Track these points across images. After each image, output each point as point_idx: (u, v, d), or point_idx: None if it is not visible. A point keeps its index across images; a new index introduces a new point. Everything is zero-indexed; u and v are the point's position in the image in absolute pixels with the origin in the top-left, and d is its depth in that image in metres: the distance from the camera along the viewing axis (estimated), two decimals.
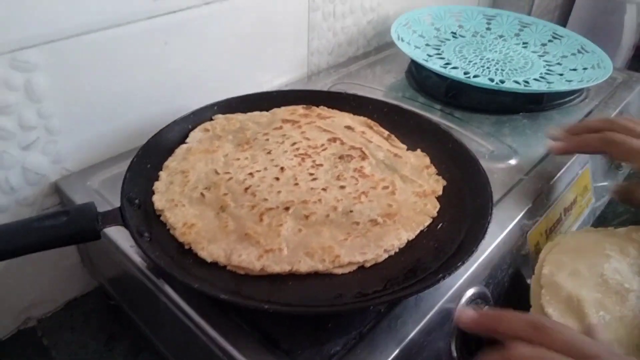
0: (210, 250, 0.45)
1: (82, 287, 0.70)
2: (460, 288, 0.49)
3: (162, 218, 0.50)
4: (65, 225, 0.44)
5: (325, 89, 0.83)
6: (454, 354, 0.48)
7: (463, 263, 0.43)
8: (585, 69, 0.84)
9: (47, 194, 0.61)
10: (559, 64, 0.87)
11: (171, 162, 0.56)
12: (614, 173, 0.82)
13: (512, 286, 0.56)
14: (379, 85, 0.87)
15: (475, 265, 0.51)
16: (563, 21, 1.35)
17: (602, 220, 0.81)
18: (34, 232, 0.43)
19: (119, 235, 0.52)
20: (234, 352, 0.42)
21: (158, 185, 0.53)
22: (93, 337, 0.65)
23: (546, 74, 0.84)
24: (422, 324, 0.45)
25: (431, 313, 0.46)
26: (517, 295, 0.57)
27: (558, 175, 0.65)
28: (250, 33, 0.76)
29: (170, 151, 0.58)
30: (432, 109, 0.79)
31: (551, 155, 0.68)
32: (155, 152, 0.57)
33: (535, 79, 0.81)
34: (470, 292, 0.50)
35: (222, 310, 0.45)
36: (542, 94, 0.78)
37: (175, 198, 0.51)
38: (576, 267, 0.53)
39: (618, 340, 0.47)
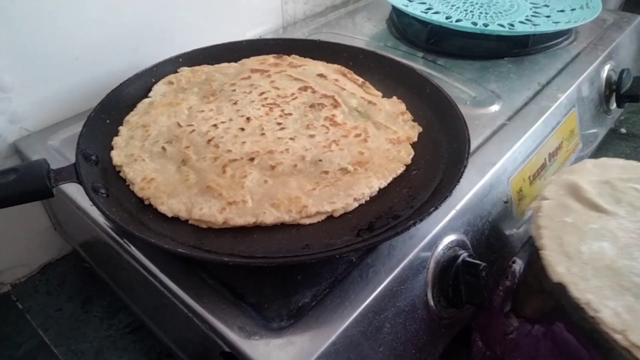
0: (170, 205, 0.43)
1: (57, 251, 0.69)
2: (437, 236, 0.47)
3: (121, 174, 0.47)
4: (14, 183, 0.42)
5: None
6: (431, 302, 0.47)
7: (436, 208, 0.41)
8: (573, 9, 0.80)
9: (7, 155, 0.58)
10: (546, 5, 0.83)
11: (132, 117, 0.53)
12: (602, 118, 0.79)
13: (493, 234, 0.55)
14: (359, 35, 0.83)
15: (453, 212, 0.49)
16: None
17: None
18: None
19: (78, 194, 0.49)
20: (199, 308, 0.40)
21: (117, 141, 0.50)
22: (69, 300, 0.64)
23: (532, 16, 0.79)
24: (395, 272, 0.43)
25: (405, 261, 0.44)
26: (499, 244, 0.56)
27: (542, 118, 0.62)
28: None
29: (131, 106, 0.56)
30: (415, 57, 0.76)
31: (536, 99, 0.65)
32: (115, 107, 0.54)
33: (520, 22, 0.77)
34: (447, 239, 0.48)
35: (187, 266, 0.43)
36: (527, 36, 0.74)
37: (135, 153, 0.48)
38: None
39: None
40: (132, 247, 0.45)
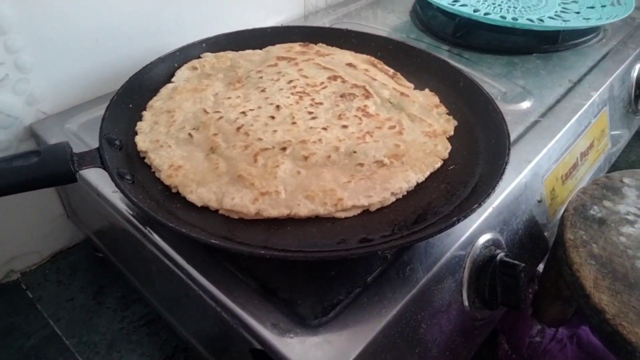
0: (200, 194, 0.41)
1: (69, 239, 0.66)
2: (473, 234, 0.45)
3: (146, 160, 0.45)
4: (36, 166, 0.39)
5: None
6: (465, 303, 0.45)
7: (479, 205, 0.39)
8: (603, 6, 0.78)
9: (22, 138, 0.56)
10: (574, 1, 0.81)
11: (156, 102, 0.51)
12: (630, 119, 0.77)
13: (526, 234, 0.53)
14: (381, 26, 0.81)
15: (489, 210, 0.47)
16: None
17: (616, 168, 0.77)
18: (0, 174, 0.38)
19: (100, 180, 0.47)
20: (229, 302, 0.38)
21: (141, 126, 0.48)
22: (81, 290, 0.62)
23: (561, 12, 0.77)
24: (432, 271, 0.41)
25: (442, 260, 0.42)
26: (532, 244, 0.54)
27: (576, 117, 0.60)
28: None
29: (154, 91, 0.53)
30: (439, 50, 0.74)
31: (568, 97, 0.63)
32: (138, 91, 0.52)
33: (550, 17, 0.75)
34: (483, 238, 0.46)
35: (215, 258, 0.41)
36: (557, 31, 0.72)
37: (160, 139, 0.46)
38: None
39: None
40: (157, 237, 0.43)
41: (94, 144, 0.52)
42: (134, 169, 0.44)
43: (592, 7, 0.78)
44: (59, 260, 0.66)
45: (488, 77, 0.67)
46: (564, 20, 0.74)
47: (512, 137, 0.55)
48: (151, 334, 0.57)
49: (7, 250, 0.61)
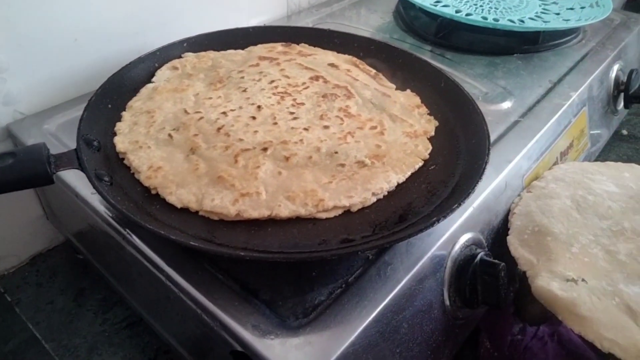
0: (180, 195, 0.41)
1: (48, 241, 0.65)
2: (454, 234, 0.46)
3: (125, 161, 0.45)
4: (11, 168, 0.39)
5: None
6: (447, 302, 0.45)
7: (459, 205, 0.39)
8: (582, 7, 0.79)
9: None
10: (554, 2, 0.82)
11: (135, 102, 0.51)
12: (609, 118, 0.79)
13: (507, 233, 0.53)
14: (364, 26, 0.81)
15: (470, 209, 0.47)
16: None
17: None
18: None
19: (78, 181, 0.47)
20: (209, 304, 0.38)
21: (120, 126, 0.47)
22: (61, 292, 0.61)
23: (542, 13, 0.78)
24: (413, 271, 0.41)
25: (423, 260, 0.42)
26: None
27: (555, 117, 0.61)
28: None
29: (134, 91, 0.53)
30: (422, 50, 0.74)
31: (548, 97, 0.64)
32: (117, 91, 0.52)
33: (530, 18, 0.76)
34: (464, 238, 0.46)
35: (195, 260, 0.41)
36: (538, 32, 0.73)
37: (139, 139, 0.46)
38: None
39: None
40: (136, 239, 0.43)
41: (73, 144, 0.51)
42: (113, 171, 0.44)
43: (572, 9, 0.79)
44: (38, 262, 0.65)
45: (470, 77, 0.67)
46: (544, 22, 0.75)
47: (493, 137, 0.56)
48: (133, 337, 0.57)
49: None
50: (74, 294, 0.61)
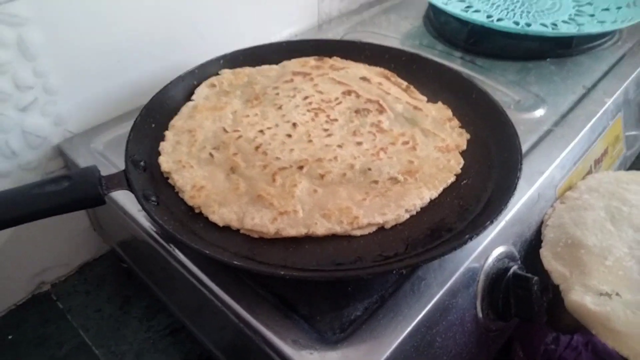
0: (222, 214, 0.43)
1: (95, 251, 0.69)
2: (487, 248, 0.46)
3: (169, 180, 0.47)
4: (67, 190, 0.42)
5: (337, 38, 0.78)
6: (479, 315, 0.46)
7: (492, 222, 0.40)
8: (619, 8, 0.77)
9: (51, 157, 0.58)
10: (589, 3, 0.81)
11: (177, 121, 0.53)
12: None
13: (540, 244, 0.53)
14: (394, 33, 0.81)
15: (503, 223, 0.48)
16: None
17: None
18: (34, 199, 0.41)
19: (125, 199, 0.49)
20: (250, 318, 0.40)
21: (164, 146, 0.50)
22: (108, 300, 0.64)
23: (576, 15, 0.77)
24: (447, 286, 0.42)
25: (457, 274, 0.43)
26: None
27: (589, 124, 0.60)
28: None
29: (175, 109, 0.55)
30: (452, 57, 0.74)
31: (582, 104, 0.64)
32: (159, 110, 0.54)
33: (564, 21, 0.75)
34: (497, 251, 0.47)
35: (236, 275, 0.43)
36: (571, 37, 0.72)
37: (182, 159, 0.48)
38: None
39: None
40: (180, 255, 0.45)
41: (119, 162, 0.54)
42: (158, 190, 0.46)
43: (607, 9, 0.78)
44: (86, 271, 0.68)
45: (501, 84, 0.67)
46: (578, 24, 0.74)
47: (525, 147, 0.56)
48: (176, 343, 0.59)
49: (38, 263, 0.64)
50: (120, 301, 0.64)
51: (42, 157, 0.58)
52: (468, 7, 0.78)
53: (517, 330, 0.58)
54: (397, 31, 0.82)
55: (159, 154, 0.49)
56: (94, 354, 0.58)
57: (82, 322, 0.62)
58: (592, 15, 0.77)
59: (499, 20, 0.74)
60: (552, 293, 0.56)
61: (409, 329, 0.39)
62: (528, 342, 0.58)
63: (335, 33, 0.81)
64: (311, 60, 0.62)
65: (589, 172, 0.62)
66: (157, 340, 0.60)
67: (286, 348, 0.38)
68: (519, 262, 0.49)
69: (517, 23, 0.73)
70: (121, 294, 0.65)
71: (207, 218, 0.43)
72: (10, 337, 0.60)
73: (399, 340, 0.38)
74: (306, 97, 0.55)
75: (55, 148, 0.58)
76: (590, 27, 0.73)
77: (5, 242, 0.59)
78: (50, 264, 0.65)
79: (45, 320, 0.62)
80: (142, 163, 0.48)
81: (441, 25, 0.80)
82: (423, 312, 0.40)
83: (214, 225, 0.43)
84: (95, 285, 0.66)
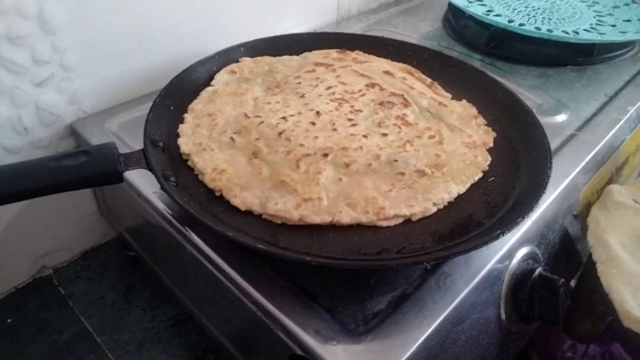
0: (244, 198, 0.41)
1: (99, 237, 0.67)
2: (512, 248, 0.45)
3: (189, 163, 0.46)
4: (84, 165, 0.40)
5: None
6: (503, 316, 0.45)
7: (523, 219, 0.39)
8: None
9: (63, 136, 0.57)
10: (610, 14, 0.80)
11: (196, 105, 0.52)
12: None
13: (562, 248, 0.52)
14: (413, 33, 0.81)
15: (529, 223, 0.47)
16: None
17: None
18: (49, 172, 0.39)
19: (140, 180, 0.48)
20: (270, 306, 0.38)
21: (184, 128, 0.48)
22: (111, 288, 0.63)
23: (597, 24, 0.77)
24: (473, 283, 0.41)
25: (483, 272, 0.42)
26: (567, 258, 0.53)
27: (613, 131, 0.59)
28: None
29: (194, 93, 0.54)
30: (471, 60, 0.73)
31: (605, 111, 0.63)
32: (178, 93, 0.53)
33: (585, 30, 0.75)
34: (521, 252, 0.46)
35: (254, 262, 0.41)
36: (593, 44, 0.71)
37: (202, 142, 0.47)
38: None
39: None
40: (197, 238, 0.43)
41: (134, 143, 0.53)
42: (177, 171, 0.45)
43: (629, 20, 0.77)
44: (89, 257, 0.66)
45: (522, 88, 0.67)
46: (600, 33, 0.74)
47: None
48: (181, 335, 0.58)
49: (40, 246, 0.62)
50: (123, 289, 0.62)
51: (54, 135, 0.56)
52: (489, 10, 0.78)
53: (534, 336, 0.56)
54: (415, 32, 0.81)
55: (177, 136, 0.48)
56: (96, 341, 0.57)
57: (84, 308, 0.60)
58: (614, 26, 0.76)
59: (520, 25, 0.73)
60: (570, 300, 0.55)
61: (435, 324, 0.38)
62: (544, 349, 0.56)
63: (353, 30, 0.80)
64: (333, 52, 0.61)
65: (611, 180, 0.61)
66: (161, 331, 0.58)
67: (308, 339, 0.36)
68: (542, 263, 0.48)
69: (538, 28, 0.73)
70: (125, 282, 0.63)
71: (227, 202, 0.42)
72: (9, 320, 0.58)
73: (425, 335, 0.37)
74: (329, 87, 0.54)
75: (68, 127, 0.57)
76: (613, 36, 0.72)
77: (8, 222, 0.57)
78: (53, 247, 0.63)
79: (46, 305, 0.60)
80: (160, 144, 0.46)
81: (460, 28, 0.79)
82: (449, 309, 0.39)
83: (235, 209, 0.42)
84: (98, 272, 0.65)
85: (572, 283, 0.55)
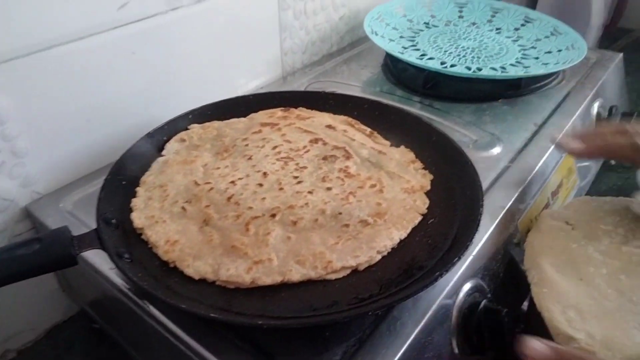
0: (197, 267, 0.43)
1: (63, 313, 0.67)
2: (457, 283, 0.48)
3: (142, 236, 0.47)
4: (38, 253, 0.41)
5: (301, 88, 0.82)
6: (456, 350, 0.47)
7: (459, 258, 0.42)
8: (559, 50, 0.84)
9: (18, 219, 0.57)
10: (533, 47, 0.87)
11: (148, 177, 0.54)
12: None
13: (507, 276, 0.56)
14: (355, 81, 0.85)
15: (470, 258, 0.50)
16: (533, 4, 1.36)
17: None
18: (4, 264, 0.40)
19: (97, 257, 0.49)
20: None
21: (136, 202, 0.50)
22: None
23: (522, 58, 0.83)
24: (422, 324, 0.43)
25: (430, 312, 0.44)
26: (514, 285, 0.56)
27: (543, 159, 0.64)
28: (220, 37, 0.73)
29: (145, 165, 0.56)
30: (411, 102, 0.78)
31: (534, 140, 0.68)
32: (130, 167, 0.55)
33: (511, 64, 0.81)
34: (467, 286, 0.49)
35: (212, 327, 0.43)
36: (519, 79, 0.77)
37: (155, 214, 0.48)
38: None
39: None
40: (155, 311, 0.45)
41: (89, 221, 0.54)
42: (131, 246, 0.46)
43: (550, 52, 0.84)
44: (55, 335, 0.66)
45: (459, 125, 0.71)
46: (525, 67, 0.80)
47: (486, 184, 0.59)
48: None
49: (2, 330, 0.61)
50: None
51: (10, 219, 0.57)
52: (423, 55, 0.83)
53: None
54: (358, 79, 0.86)
55: (131, 210, 0.50)
56: None
57: None
58: (537, 58, 0.83)
59: (452, 66, 0.79)
60: (524, 324, 0.58)
61: None
62: None
63: (299, 84, 0.84)
64: (278, 111, 0.64)
65: (547, 205, 0.65)
66: None
67: None
68: (489, 295, 0.51)
69: (469, 68, 0.78)
70: (92, 356, 0.63)
71: (182, 272, 0.44)
72: None
73: None
74: (275, 147, 0.57)
75: (23, 210, 0.57)
76: (536, 69, 0.78)
77: None
78: (16, 330, 0.62)
79: None
80: (113, 221, 0.48)
81: (399, 73, 0.84)
82: (400, 352, 0.41)
83: (190, 278, 0.43)
84: (64, 348, 0.64)
85: (526, 305, 0.58)
